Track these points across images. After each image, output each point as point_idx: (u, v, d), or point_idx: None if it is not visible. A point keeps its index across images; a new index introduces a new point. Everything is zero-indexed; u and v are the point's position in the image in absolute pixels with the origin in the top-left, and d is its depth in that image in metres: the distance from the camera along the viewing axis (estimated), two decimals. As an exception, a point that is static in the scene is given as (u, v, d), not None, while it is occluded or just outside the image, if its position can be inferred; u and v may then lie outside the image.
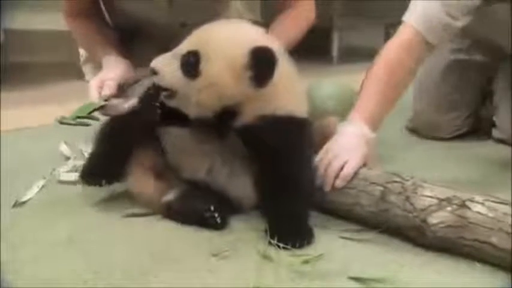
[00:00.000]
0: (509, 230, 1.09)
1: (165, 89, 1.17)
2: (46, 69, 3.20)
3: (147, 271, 1.10)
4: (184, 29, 1.69)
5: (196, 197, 1.30)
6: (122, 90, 1.46)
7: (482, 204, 1.14)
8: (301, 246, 1.18)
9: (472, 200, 1.15)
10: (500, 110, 1.97)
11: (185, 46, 1.20)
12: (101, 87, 1.44)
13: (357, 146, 1.35)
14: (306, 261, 1.11)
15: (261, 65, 1.16)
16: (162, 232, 1.28)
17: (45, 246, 1.20)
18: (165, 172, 1.35)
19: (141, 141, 1.33)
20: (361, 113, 1.42)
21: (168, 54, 1.19)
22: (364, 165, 1.34)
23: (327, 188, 1.31)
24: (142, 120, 1.30)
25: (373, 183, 1.28)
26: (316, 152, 1.36)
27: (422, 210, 1.18)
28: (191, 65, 1.16)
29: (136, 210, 1.36)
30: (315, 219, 1.29)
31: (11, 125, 2.10)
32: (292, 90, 1.26)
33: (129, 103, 1.35)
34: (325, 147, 1.36)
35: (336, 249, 1.20)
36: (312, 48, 3.64)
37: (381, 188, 1.27)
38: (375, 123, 1.43)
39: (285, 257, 1.14)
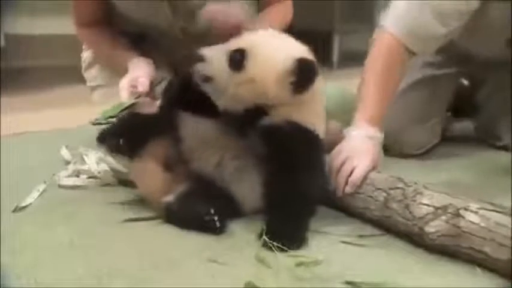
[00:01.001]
0: (502, 240, 1.08)
1: (207, 77, 1.21)
2: (46, 74, 3.21)
3: (147, 275, 1.10)
4: (185, 34, 1.72)
5: (196, 200, 1.30)
6: (152, 88, 1.48)
7: (476, 213, 1.13)
8: (292, 247, 1.19)
9: (466, 209, 1.14)
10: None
11: (233, 45, 1.23)
12: (133, 86, 1.46)
13: (366, 149, 1.36)
14: (300, 264, 1.12)
15: (304, 74, 1.21)
16: (163, 236, 1.28)
17: (46, 250, 1.20)
18: (175, 165, 1.36)
19: (159, 130, 1.34)
20: (365, 115, 1.43)
21: (216, 47, 1.24)
22: (374, 167, 1.34)
23: (339, 193, 1.34)
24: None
25: (379, 188, 1.30)
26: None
27: (420, 218, 1.19)
28: (237, 60, 1.20)
29: (137, 215, 1.36)
30: (316, 223, 1.29)
31: (12, 130, 2.10)
32: (318, 108, 1.31)
33: (159, 102, 1.37)
34: (334, 151, 1.37)
35: (336, 253, 1.20)
36: (312, 53, 3.67)
37: (385, 194, 1.28)
38: (380, 123, 1.44)
39: (284, 260, 1.14)
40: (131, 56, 1.61)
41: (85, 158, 1.65)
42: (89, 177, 1.61)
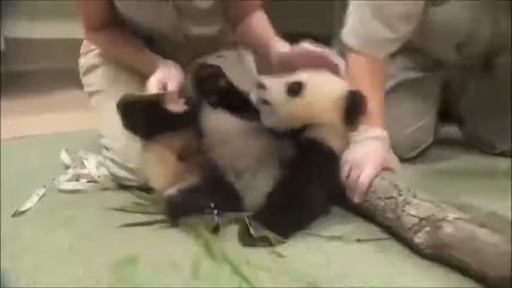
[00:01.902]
0: (478, 252, 1.08)
1: (265, 101, 1.35)
2: (46, 78, 3.21)
3: (147, 280, 1.10)
4: (188, 39, 1.73)
5: (198, 194, 1.31)
6: (181, 90, 1.48)
7: (452, 223, 1.14)
8: (274, 240, 1.23)
9: (445, 219, 1.15)
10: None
11: (291, 78, 1.36)
12: (162, 83, 1.46)
13: (371, 152, 1.38)
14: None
15: (354, 107, 1.33)
16: (162, 240, 1.28)
17: (46, 254, 1.20)
18: (190, 157, 1.38)
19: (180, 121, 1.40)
20: (368, 116, 1.44)
21: (275, 78, 1.38)
22: (386, 168, 1.36)
23: (353, 199, 1.37)
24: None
25: (379, 197, 1.31)
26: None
27: (409, 229, 1.22)
28: (295, 88, 1.34)
29: (136, 220, 1.36)
30: (321, 226, 1.31)
31: (12, 134, 2.10)
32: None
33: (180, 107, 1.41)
34: (343, 158, 1.39)
35: (336, 256, 1.20)
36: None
37: (383, 204, 1.30)
38: (381, 122, 1.46)
39: (282, 263, 1.15)
40: (158, 58, 1.60)
41: (85, 162, 1.66)
42: (89, 181, 1.61)
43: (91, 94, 1.75)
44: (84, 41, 1.83)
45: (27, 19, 3.02)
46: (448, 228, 1.14)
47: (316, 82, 1.35)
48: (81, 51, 1.83)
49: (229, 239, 1.26)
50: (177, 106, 1.41)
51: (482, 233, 1.09)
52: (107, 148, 1.62)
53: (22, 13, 2.89)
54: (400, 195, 1.27)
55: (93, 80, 1.75)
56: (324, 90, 1.34)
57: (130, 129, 1.43)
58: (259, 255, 1.19)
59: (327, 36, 3.79)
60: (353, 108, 1.33)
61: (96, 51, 1.78)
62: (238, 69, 1.71)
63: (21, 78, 3.12)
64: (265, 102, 1.35)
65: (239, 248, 1.23)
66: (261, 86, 1.35)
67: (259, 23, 1.72)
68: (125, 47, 1.68)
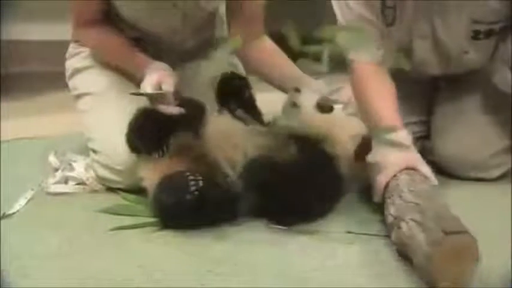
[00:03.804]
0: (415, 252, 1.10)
1: (295, 104, 1.51)
2: (42, 80, 3.18)
3: (137, 284, 1.09)
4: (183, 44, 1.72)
5: (186, 181, 1.29)
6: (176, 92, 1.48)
7: (407, 223, 1.16)
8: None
9: (403, 220, 1.18)
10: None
11: (327, 97, 1.55)
12: (157, 83, 1.46)
13: (393, 154, 1.39)
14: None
15: (364, 148, 1.45)
16: (153, 244, 1.27)
17: (34, 258, 1.19)
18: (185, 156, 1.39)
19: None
20: (387, 120, 1.47)
21: (308, 92, 1.55)
22: (410, 168, 1.37)
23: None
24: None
25: (387, 197, 1.34)
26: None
27: (389, 227, 1.26)
28: (324, 108, 1.52)
29: (125, 223, 1.35)
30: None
31: (10, 135, 2.09)
32: None
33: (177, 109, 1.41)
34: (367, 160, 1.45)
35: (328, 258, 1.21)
36: (302, 57, 3.67)
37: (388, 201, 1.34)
38: (401, 123, 1.48)
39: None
40: (148, 59, 1.59)
41: (73, 164, 1.64)
42: (77, 184, 1.60)
43: (77, 97, 1.73)
44: (70, 45, 1.81)
45: (23, 21, 2.99)
46: (404, 228, 1.17)
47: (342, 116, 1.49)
48: (66, 54, 1.81)
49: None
50: (172, 108, 1.41)
51: (421, 236, 1.10)
52: (94, 151, 1.60)
53: (18, 15, 2.86)
54: (392, 195, 1.30)
55: (79, 83, 1.73)
56: (345, 124, 1.48)
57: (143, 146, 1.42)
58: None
59: (318, 38, 3.81)
60: (362, 150, 1.45)
61: (82, 54, 1.76)
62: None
63: (16, 80, 3.10)
64: (295, 105, 1.49)
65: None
66: (296, 90, 1.53)
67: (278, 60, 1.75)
68: (116, 46, 1.66)
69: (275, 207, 1.36)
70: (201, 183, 1.28)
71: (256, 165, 1.37)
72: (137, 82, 1.54)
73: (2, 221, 1.38)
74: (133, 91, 1.50)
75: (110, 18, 1.66)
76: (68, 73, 1.79)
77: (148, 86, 1.46)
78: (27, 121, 2.36)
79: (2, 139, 2.04)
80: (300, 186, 1.36)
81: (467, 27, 1.60)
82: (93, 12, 1.64)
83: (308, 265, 1.18)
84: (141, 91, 1.47)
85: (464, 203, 1.37)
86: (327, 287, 1.10)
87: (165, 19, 1.65)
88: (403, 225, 1.18)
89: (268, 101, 1.59)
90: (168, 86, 1.46)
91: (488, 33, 1.62)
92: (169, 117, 1.40)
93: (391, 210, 1.27)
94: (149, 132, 1.40)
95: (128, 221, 1.37)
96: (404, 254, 1.18)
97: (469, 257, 1.05)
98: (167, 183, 1.32)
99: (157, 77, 1.48)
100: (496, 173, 1.70)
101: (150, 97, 1.45)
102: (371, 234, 1.31)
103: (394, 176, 1.35)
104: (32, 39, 3.24)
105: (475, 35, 1.61)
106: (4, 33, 2.81)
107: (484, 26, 1.60)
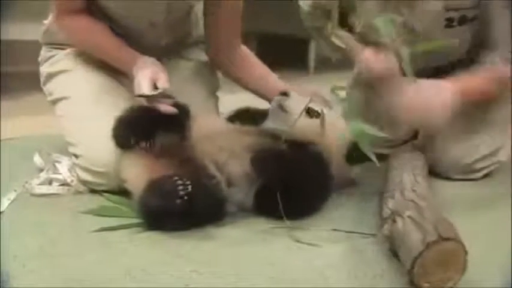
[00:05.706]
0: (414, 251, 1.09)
1: (284, 108, 1.55)
2: (26, 80, 3.15)
3: (121, 284, 1.09)
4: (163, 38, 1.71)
5: (175, 186, 1.28)
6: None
7: (403, 219, 1.16)
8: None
9: (400, 215, 1.18)
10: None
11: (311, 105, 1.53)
12: (153, 80, 1.45)
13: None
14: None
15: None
16: (137, 245, 1.26)
17: (17, 260, 1.18)
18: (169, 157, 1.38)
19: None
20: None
21: (298, 96, 1.58)
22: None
23: None
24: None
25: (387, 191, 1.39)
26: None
27: (382, 221, 1.27)
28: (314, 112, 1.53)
29: (109, 224, 1.34)
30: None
31: (9, 134, 2.09)
32: None
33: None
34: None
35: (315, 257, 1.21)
36: (289, 58, 3.68)
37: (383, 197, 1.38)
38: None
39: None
40: (136, 53, 1.57)
41: (57, 165, 1.62)
42: (61, 185, 1.58)
43: (54, 102, 1.70)
44: (42, 48, 1.79)
45: (20, 21, 2.97)
46: (399, 223, 1.17)
47: (334, 121, 1.47)
48: (39, 58, 1.79)
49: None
50: (168, 107, 1.40)
51: (416, 235, 1.10)
52: (75, 156, 1.59)
53: (15, 15, 2.84)
54: (392, 188, 1.33)
55: (54, 88, 1.71)
56: (332, 125, 1.46)
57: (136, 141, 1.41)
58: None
59: (306, 39, 3.83)
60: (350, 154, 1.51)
61: (54, 58, 1.74)
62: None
63: (13, 80, 3.08)
64: (284, 109, 1.53)
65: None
66: (285, 94, 1.57)
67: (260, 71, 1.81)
68: (101, 37, 1.62)
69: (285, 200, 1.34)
70: (189, 187, 1.26)
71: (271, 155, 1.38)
72: (122, 74, 1.57)
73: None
74: (137, 94, 1.46)
75: (91, 11, 1.63)
76: (42, 79, 1.76)
77: (144, 85, 1.44)
78: (25, 120, 2.35)
79: (1, 138, 2.04)
80: (295, 181, 1.37)
81: (441, 16, 1.60)
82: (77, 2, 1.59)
83: (294, 264, 1.18)
84: (140, 92, 1.44)
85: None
86: (313, 286, 1.10)
87: (148, 10, 1.63)
88: (398, 220, 1.17)
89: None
90: (163, 83, 1.45)
91: (462, 20, 1.62)
92: (159, 112, 1.40)
93: (389, 204, 1.28)
94: (139, 121, 1.41)
95: (112, 222, 1.36)
96: (392, 249, 1.19)
97: (457, 266, 1.06)
98: (155, 188, 1.31)
99: (150, 75, 1.46)
100: (482, 174, 1.73)
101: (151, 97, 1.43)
102: (358, 233, 1.32)
103: None
104: (29, 39, 3.22)
105: (449, 23, 1.62)
106: (2, 33, 2.80)
107: (457, 14, 1.61)
